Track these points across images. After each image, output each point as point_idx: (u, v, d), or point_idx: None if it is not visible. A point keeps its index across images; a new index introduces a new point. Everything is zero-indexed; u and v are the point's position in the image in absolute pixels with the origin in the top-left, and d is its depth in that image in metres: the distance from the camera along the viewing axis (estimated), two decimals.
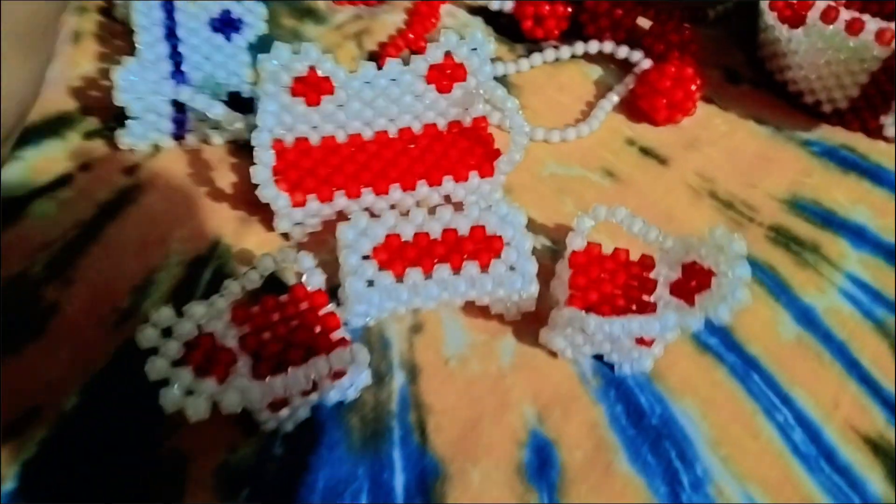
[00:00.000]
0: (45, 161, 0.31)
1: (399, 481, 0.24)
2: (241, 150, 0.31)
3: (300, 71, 0.29)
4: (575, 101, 0.36)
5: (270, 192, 0.28)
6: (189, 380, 0.22)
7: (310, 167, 0.28)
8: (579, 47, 0.38)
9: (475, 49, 0.30)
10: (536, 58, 0.37)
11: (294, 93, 0.29)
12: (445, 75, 0.29)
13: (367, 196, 0.28)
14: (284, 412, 0.24)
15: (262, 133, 0.28)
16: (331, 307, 0.25)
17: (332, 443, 0.25)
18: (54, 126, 0.31)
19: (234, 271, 0.28)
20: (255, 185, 0.28)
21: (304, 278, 0.26)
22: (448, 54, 0.29)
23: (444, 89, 0.30)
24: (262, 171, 0.28)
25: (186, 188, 0.31)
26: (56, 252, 0.28)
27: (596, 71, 0.38)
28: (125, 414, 0.24)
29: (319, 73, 0.29)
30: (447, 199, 0.29)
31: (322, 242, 0.28)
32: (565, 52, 0.38)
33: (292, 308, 0.25)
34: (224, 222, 0.30)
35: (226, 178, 0.31)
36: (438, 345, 0.27)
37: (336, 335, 0.25)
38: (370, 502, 0.24)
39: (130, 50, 0.31)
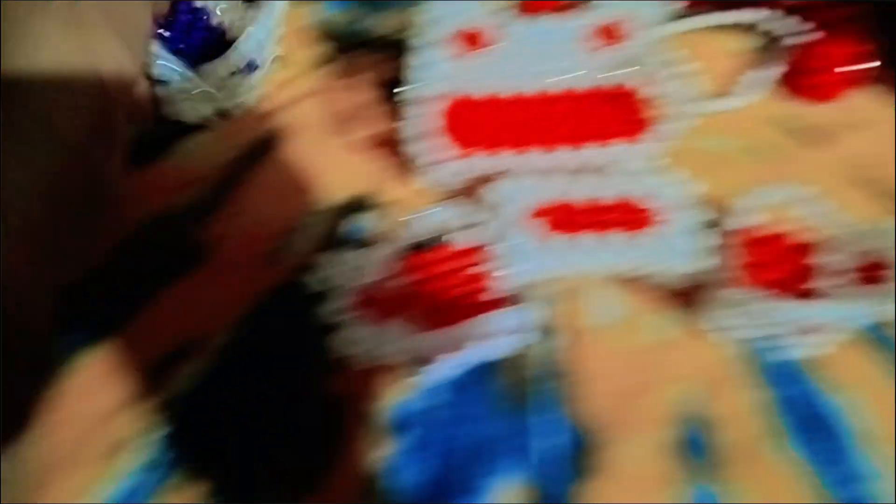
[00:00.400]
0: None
1: (540, 447, 0.24)
2: (386, 99, 0.31)
3: (459, 23, 0.28)
4: (723, 71, 0.35)
5: (423, 146, 0.27)
6: (359, 327, 0.22)
7: (465, 122, 0.28)
8: (731, 15, 0.36)
9: (642, 10, 0.28)
10: (682, 24, 0.36)
11: (450, 45, 0.28)
12: (609, 35, 0.28)
13: (531, 154, 0.27)
14: (435, 366, 0.24)
15: (416, 86, 0.28)
16: (486, 266, 0.25)
17: (477, 400, 0.25)
18: None
19: (383, 223, 0.28)
20: (403, 136, 0.28)
21: (459, 235, 0.25)
22: (613, 13, 0.28)
23: (606, 49, 0.29)
24: (416, 124, 0.27)
25: (330, 135, 0.31)
26: (206, 190, 0.29)
27: (747, 41, 0.36)
28: (281, 354, 0.25)
29: (477, 25, 0.29)
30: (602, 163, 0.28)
31: (471, 200, 0.28)
32: (715, 18, 0.36)
33: (448, 264, 0.25)
34: (370, 172, 0.29)
35: (370, 127, 0.31)
36: (589, 313, 0.26)
37: (491, 295, 0.24)
38: (508, 464, 0.24)
39: None
